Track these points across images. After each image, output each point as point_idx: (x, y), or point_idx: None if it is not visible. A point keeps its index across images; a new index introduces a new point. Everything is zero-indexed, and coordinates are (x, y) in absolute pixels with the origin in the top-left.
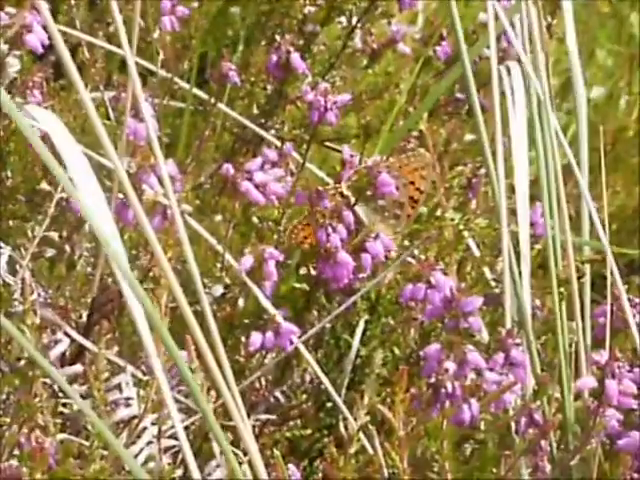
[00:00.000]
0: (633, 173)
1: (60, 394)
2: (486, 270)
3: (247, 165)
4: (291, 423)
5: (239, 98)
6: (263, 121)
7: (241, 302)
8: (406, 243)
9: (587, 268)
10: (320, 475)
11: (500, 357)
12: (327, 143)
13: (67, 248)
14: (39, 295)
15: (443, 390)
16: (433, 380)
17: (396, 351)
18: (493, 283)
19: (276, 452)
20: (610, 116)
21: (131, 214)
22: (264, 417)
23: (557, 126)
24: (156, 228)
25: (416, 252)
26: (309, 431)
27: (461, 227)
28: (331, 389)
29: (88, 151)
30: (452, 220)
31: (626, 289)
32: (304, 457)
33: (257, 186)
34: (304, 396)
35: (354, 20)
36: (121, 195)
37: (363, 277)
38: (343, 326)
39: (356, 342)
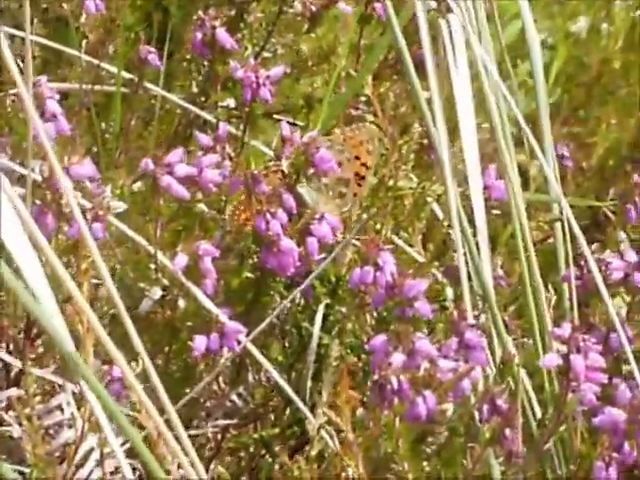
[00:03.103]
0: (624, 105)
1: None
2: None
3: (167, 158)
4: (258, 422)
5: (176, 78)
6: (204, 99)
7: (182, 303)
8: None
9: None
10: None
11: (454, 341)
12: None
13: None
14: None
15: (389, 387)
16: (377, 377)
17: (354, 339)
18: None
19: (220, 469)
20: (593, 48)
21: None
22: (222, 423)
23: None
24: (75, 236)
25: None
26: (277, 430)
27: (417, 195)
28: (288, 389)
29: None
30: (410, 189)
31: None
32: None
33: (181, 179)
34: (272, 392)
35: None
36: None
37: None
38: (304, 313)
39: (316, 330)
